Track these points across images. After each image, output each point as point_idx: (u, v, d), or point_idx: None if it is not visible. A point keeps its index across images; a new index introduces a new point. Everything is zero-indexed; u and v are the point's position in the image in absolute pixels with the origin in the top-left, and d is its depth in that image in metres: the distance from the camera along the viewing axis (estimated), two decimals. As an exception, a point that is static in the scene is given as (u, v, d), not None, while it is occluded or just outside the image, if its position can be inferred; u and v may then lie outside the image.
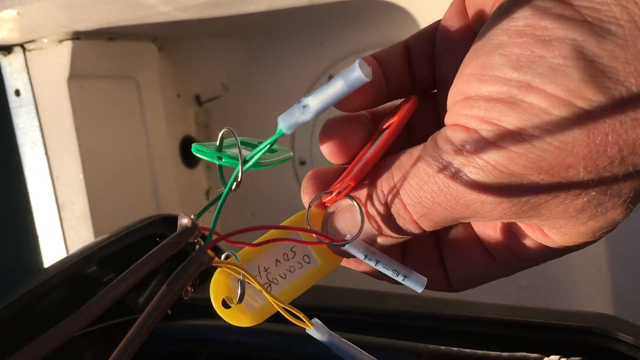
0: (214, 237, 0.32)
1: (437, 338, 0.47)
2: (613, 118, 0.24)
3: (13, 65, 1.03)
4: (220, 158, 0.33)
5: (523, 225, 0.30)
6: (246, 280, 0.33)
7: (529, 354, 0.39)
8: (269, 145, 0.31)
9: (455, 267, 0.33)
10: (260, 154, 0.31)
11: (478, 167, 0.26)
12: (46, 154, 1.04)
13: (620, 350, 0.43)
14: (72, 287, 0.70)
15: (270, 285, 0.36)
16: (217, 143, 0.33)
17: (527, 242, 0.30)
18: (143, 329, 0.28)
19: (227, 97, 1.26)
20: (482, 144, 0.26)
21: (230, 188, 0.32)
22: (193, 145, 0.34)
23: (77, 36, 0.99)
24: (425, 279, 0.31)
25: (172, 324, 0.61)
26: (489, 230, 0.32)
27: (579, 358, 0.38)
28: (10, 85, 1.04)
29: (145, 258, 0.31)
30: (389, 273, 0.31)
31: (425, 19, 1.07)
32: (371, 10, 1.09)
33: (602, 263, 0.95)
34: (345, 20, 1.12)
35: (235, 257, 0.35)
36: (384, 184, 0.30)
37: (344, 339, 0.34)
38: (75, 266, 0.69)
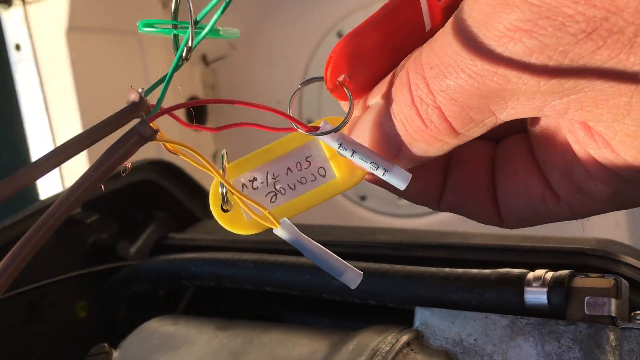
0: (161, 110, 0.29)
1: (425, 266, 0.43)
2: None
3: (13, 18, 1.01)
4: (176, 27, 0.30)
5: (586, 137, 0.24)
6: (215, 176, 0.30)
7: (513, 270, 0.35)
8: (223, 9, 0.28)
9: (508, 199, 0.28)
10: (215, 18, 0.28)
11: (504, 2, 0.20)
12: (46, 109, 1.02)
13: (624, 272, 0.39)
14: (65, 231, 0.68)
15: (276, 195, 0.32)
16: (172, 14, 0.30)
17: (593, 168, 0.24)
18: (72, 197, 0.25)
19: (234, 56, 1.23)
20: None
21: (181, 57, 0.29)
22: (139, 22, 0.31)
23: (76, -14, 0.97)
24: (410, 174, 0.27)
25: (148, 260, 0.58)
26: (550, 152, 0.26)
27: (568, 271, 0.34)
28: (10, 40, 1.02)
29: (90, 129, 0.28)
30: (367, 166, 0.28)
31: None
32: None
33: (620, 218, 0.90)
34: (353, -28, 1.08)
35: (223, 156, 0.32)
36: (409, 61, 0.25)
37: (315, 242, 0.30)
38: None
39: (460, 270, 0.37)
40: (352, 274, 0.29)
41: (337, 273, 0.29)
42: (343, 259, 0.35)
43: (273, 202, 0.32)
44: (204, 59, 1.25)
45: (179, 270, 0.52)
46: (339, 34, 1.12)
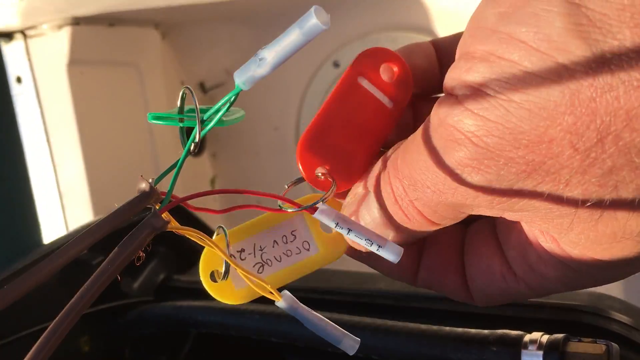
0: (171, 200, 0.31)
1: (424, 318, 0.45)
2: (601, 79, 0.20)
3: (14, 51, 1.02)
4: (182, 120, 0.32)
5: (537, 232, 0.27)
6: (218, 252, 0.32)
7: (510, 331, 0.37)
8: (229, 104, 0.30)
9: (474, 277, 0.31)
10: (220, 113, 0.30)
11: (454, 140, 0.23)
12: (48, 140, 1.03)
13: (614, 330, 0.41)
14: (62, 271, 0.70)
15: (263, 265, 0.34)
16: (178, 105, 0.32)
17: (544, 255, 0.27)
18: (90, 292, 0.27)
19: (230, 83, 1.24)
20: (460, 111, 0.23)
21: (189, 149, 0.31)
22: (148, 114, 0.33)
23: (76, 22, 0.99)
24: (402, 249, 0.29)
25: (155, 305, 0.60)
26: (509, 236, 0.29)
27: (562, 335, 0.35)
28: (11, 73, 1.03)
29: (101, 221, 0.30)
30: (362, 242, 0.30)
31: (432, 1, 1.05)
32: (375, -7, 1.07)
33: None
34: (349, 5, 1.10)
35: (224, 231, 0.34)
36: (389, 161, 0.29)
37: (314, 312, 0.32)
38: (66, 250, 0.68)
39: (460, 329, 0.39)
40: (349, 342, 0.31)
41: (336, 341, 0.31)
42: (344, 307, 0.36)
43: (260, 273, 0.34)
44: (202, 87, 1.26)
45: (186, 317, 0.53)
46: (335, 64, 1.14)
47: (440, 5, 1.04)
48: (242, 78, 0.25)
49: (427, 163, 0.25)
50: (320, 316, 0.32)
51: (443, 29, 1.06)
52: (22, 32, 1.01)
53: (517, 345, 0.37)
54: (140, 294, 0.76)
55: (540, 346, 0.36)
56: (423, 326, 0.41)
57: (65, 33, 0.98)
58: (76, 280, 0.73)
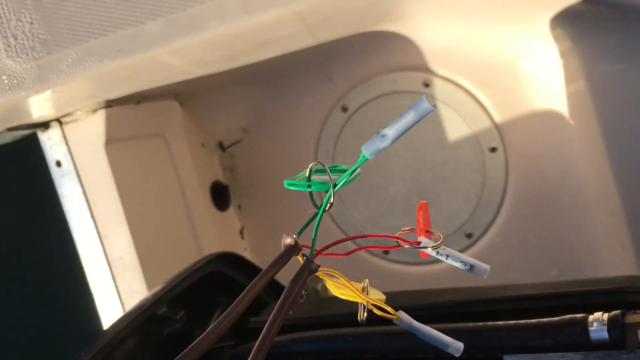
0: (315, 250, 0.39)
1: (492, 318, 0.53)
2: None
3: (52, 138, 1.11)
4: (309, 186, 0.41)
5: None
6: (354, 291, 0.40)
7: (576, 315, 0.46)
8: (356, 169, 0.39)
9: None
10: (346, 178, 0.39)
11: None
12: (92, 216, 1.11)
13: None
14: (147, 330, 0.77)
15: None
16: (307, 174, 0.40)
17: None
18: (274, 326, 0.35)
19: (248, 139, 1.34)
20: None
21: (325, 208, 0.40)
22: (285, 181, 0.41)
23: (109, 104, 1.08)
24: (488, 266, 0.38)
25: (246, 346, 0.67)
26: None
27: (619, 311, 0.44)
28: (51, 158, 1.12)
29: (262, 273, 0.38)
30: (458, 265, 0.39)
31: (422, 41, 1.15)
32: (373, 41, 1.17)
33: (625, 241, 1.01)
34: (350, 53, 1.21)
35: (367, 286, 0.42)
36: None
37: (424, 325, 0.40)
38: (148, 310, 0.75)
39: (534, 320, 0.47)
40: (456, 345, 0.40)
41: (445, 346, 0.40)
42: (421, 321, 0.46)
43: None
44: (221, 145, 1.35)
45: (281, 350, 0.61)
46: (343, 108, 1.24)
47: (432, 45, 1.15)
48: (369, 150, 0.34)
49: None
50: (429, 327, 0.41)
51: (437, 66, 1.16)
52: (58, 119, 1.10)
53: (584, 325, 0.45)
54: (217, 341, 0.83)
55: (604, 323, 0.44)
56: (500, 322, 0.49)
57: (100, 116, 1.07)
58: (157, 335, 0.81)
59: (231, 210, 1.36)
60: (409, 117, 0.33)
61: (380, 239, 0.42)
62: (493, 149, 1.16)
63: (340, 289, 0.51)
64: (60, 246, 1.14)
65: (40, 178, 1.15)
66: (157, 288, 0.77)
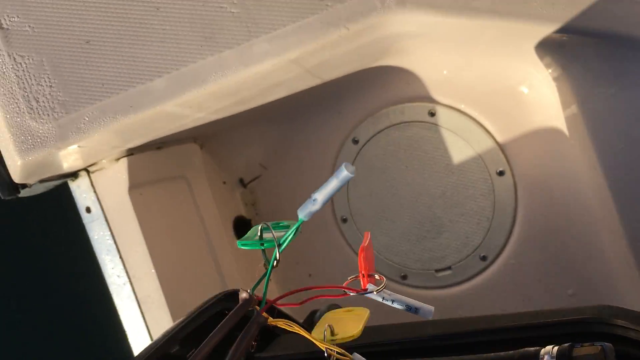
0: (267, 302, 0.44)
1: (459, 351, 0.56)
2: None
3: (81, 187, 1.19)
4: (262, 244, 0.46)
5: None
6: (307, 336, 0.45)
7: (529, 348, 0.49)
8: (296, 230, 0.44)
9: None
10: (290, 238, 0.44)
11: None
12: (120, 257, 1.18)
13: (618, 334, 0.52)
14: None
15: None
16: (258, 235, 0.45)
17: None
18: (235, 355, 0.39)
19: (267, 175, 1.40)
20: None
21: (273, 265, 0.45)
22: (238, 242, 0.46)
23: (130, 152, 1.15)
24: (432, 308, 0.42)
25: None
26: None
27: (568, 344, 0.47)
28: (81, 205, 1.19)
29: (218, 328, 0.42)
30: (402, 308, 0.43)
31: (426, 73, 1.19)
32: (378, 75, 1.22)
33: (630, 258, 1.01)
34: (357, 88, 1.25)
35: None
36: None
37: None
38: (161, 349, 0.81)
39: (492, 354, 0.51)
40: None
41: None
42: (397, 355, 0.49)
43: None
44: (241, 182, 1.42)
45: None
46: (354, 141, 1.29)
47: (434, 76, 1.18)
48: (303, 213, 0.39)
49: None
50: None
51: (441, 96, 1.20)
52: (86, 169, 1.18)
53: (536, 358, 0.48)
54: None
55: (552, 356, 0.47)
56: (457, 357, 0.52)
57: (123, 163, 1.15)
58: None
59: (255, 243, 1.42)
60: (333, 184, 0.38)
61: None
62: (500, 173, 1.18)
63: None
64: (93, 287, 1.21)
65: (73, 224, 1.23)
66: (169, 328, 0.82)
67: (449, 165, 1.21)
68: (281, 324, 0.42)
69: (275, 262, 0.41)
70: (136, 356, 0.81)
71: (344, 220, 1.33)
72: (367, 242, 0.46)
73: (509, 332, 0.57)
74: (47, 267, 1.57)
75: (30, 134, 0.95)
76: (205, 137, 1.33)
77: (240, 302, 0.39)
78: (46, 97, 0.95)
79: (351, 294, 0.42)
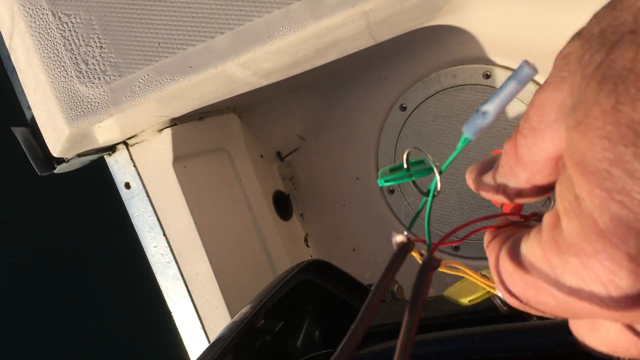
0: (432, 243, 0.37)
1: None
2: None
3: (119, 161, 1.11)
4: (410, 175, 0.39)
5: None
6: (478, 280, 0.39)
7: None
8: (459, 151, 0.36)
9: None
10: (451, 158, 0.36)
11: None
12: (164, 234, 1.11)
13: None
14: (246, 343, 0.76)
15: None
16: (405, 164, 0.38)
17: None
18: (410, 327, 0.32)
19: (305, 147, 1.33)
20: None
21: (434, 195, 0.37)
22: (379, 180, 0.39)
23: (173, 122, 1.08)
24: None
25: (363, 351, 0.66)
26: None
27: None
28: (120, 180, 1.12)
29: (386, 270, 0.36)
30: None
31: (480, 31, 1.13)
32: (429, 36, 1.16)
33: None
34: (405, 51, 1.19)
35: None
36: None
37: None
38: (248, 325, 0.75)
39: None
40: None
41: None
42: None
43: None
44: (279, 155, 1.35)
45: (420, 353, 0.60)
46: (402, 107, 1.23)
47: (490, 35, 1.13)
48: (471, 130, 0.31)
49: (565, 305, 0.25)
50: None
51: (497, 56, 1.14)
52: (124, 142, 1.11)
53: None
54: (309, 350, 0.82)
55: None
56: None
57: (166, 135, 1.08)
58: (252, 348, 0.80)
59: (294, 219, 1.36)
60: (510, 87, 0.30)
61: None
62: (562, 135, 1.13)
63: (462, 293, 0.49)
64: (134, 267, 1.15)
65: (109, 201, 1.16)
66: (254, 301, 0.76)
67: (505, 130, 1.16)
68: (452, 270, 0.35)
69: (436, 191, 0.33)
70: (220, 334, 0.75)
71: (391, 192, 1.27)
72: None
73: None
74: (83, 248, 1.50)
75: (79, 99, 0.88)
76: (245, 107, 1.26)
77: (395, 247, 0.32)
78: (96, 59, 0.87)
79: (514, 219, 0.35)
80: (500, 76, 1.15)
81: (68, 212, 1.48)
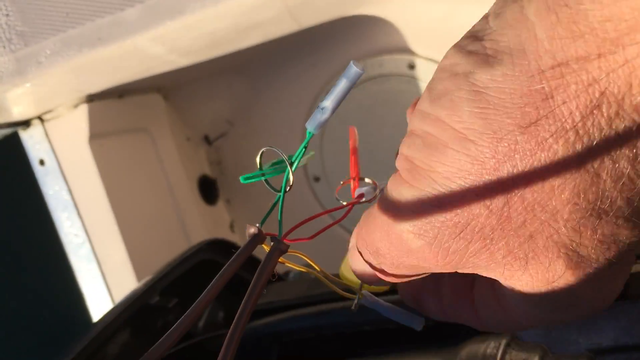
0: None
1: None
2: (500, 148, 0.24)
3: (34, 137, 1.09)
4: (263, 174, 0.40)
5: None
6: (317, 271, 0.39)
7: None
8: (304, 147, 0.38)
9: (478, 308, 0.33)
10: (300, 155, 0.37)
11: (400, 204, 0.27)
12: (79, 214, 1.09)
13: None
14: (140, 321, 0.75)
15: None
16: (258, 165, 0.39)
17: (505, 294, 0.30)
18: (247, 307, 0.32)
19: (233, 132, 1.32)
20: (399, 183, 0.28)
21: (285, 190, 0.39)
22: (241, 177, 0.40)
23: (90, 99, 1.06)
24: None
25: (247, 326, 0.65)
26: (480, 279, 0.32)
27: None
28: (33, 156, 1.09)
29: (228, 265, 0.36)
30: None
31: (405, 23, 1.14)
32: (356, 25, 1.16)
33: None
34: (332, 39, 1.19)
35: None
36: (357, 229, 0.34)
37: (387, 303, 0.39)
38: (140, 300, 0.74)
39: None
40: (418, 321, 0.38)
41: (408, 322, 0.38)
42: None
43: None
44: (207, 139, 1.34)
45: (278, 329, 0.60)
46: (329, 95, 1.23)
47: (415, 26, 1.14)
48: (312, 125, 0.33)
49: (381, 233, 0.29)
50: (392, 305, 0.39)
51: (421, 47, 1.16)
52: (39, 117, 1.08)
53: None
54: (207, 331, 0.82)
55: None
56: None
57: (82, 110, 1.05)
58: (151, 326, 0.78)
59: (220, 205, 1.35)
60: (342, 85, 0.32)
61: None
62: (481, 128, 1.15)
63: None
64: (46, 246, 1.12)
65: (23, 177, 1.13)
66: (147, 278, 0.75)
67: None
68: (294, 264, 0.36)
69: (287, 186, 0.34)
70: (114, 306, 0.73)
71: (317, 179, 1.27)
72: (355, 140, 0.40)
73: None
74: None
75: (-18, 67, 0.85)
76: (169, 88, 1.24)
77: (248, 237, 0.32)
78: (2, 27, 0.85)
79: (343, 203, 0.37)
80: (423, 67, 1.16)
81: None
